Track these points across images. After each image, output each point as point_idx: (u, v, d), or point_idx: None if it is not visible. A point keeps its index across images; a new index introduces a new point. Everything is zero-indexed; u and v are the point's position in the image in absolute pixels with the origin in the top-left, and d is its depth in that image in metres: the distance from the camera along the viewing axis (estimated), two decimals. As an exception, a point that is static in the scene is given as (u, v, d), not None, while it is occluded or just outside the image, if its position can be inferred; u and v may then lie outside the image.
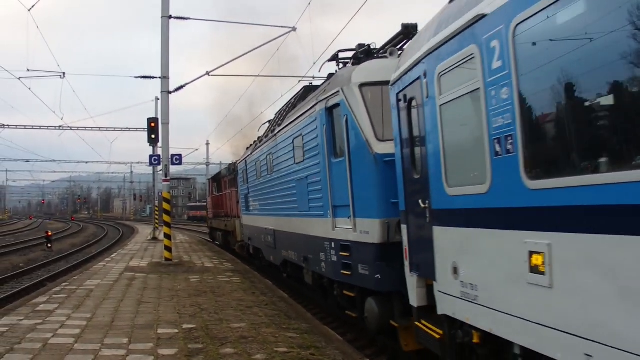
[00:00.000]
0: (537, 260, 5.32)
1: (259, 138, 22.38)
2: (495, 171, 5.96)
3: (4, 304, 16.66)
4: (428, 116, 7.63)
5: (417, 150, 8.23)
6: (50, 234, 39.03)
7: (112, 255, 28.59)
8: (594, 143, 4.76)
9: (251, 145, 24.26)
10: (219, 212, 36.95)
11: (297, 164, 14.51)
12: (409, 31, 10.70)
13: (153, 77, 28.56)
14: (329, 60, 13.67)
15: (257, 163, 20.80)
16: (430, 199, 7.71)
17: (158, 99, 35.94)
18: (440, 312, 7.58)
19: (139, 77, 31.73)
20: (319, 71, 19.13)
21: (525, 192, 5.41)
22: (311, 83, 15.51)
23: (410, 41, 9.37)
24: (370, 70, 10.72)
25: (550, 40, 5.01)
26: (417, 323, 8.56)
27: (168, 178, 24.83)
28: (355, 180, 10.50)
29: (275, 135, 17.15)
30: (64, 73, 34.85)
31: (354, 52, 12.51)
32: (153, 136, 29.99)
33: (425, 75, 7.62)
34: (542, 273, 5.22)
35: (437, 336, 7.79)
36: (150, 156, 31.08)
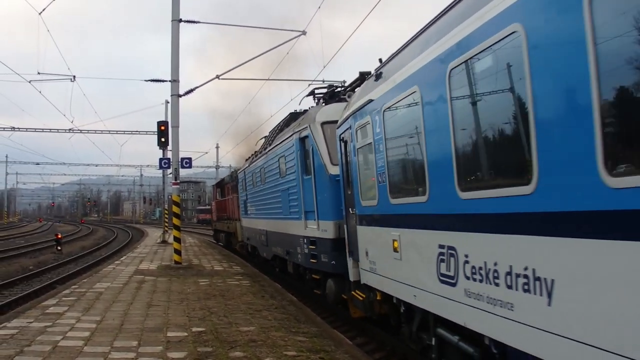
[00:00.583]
0: (395, 244, 9.30)
1: (255, 152, 26.31)
2: (379, 192, 9.99)
3: (14, 306, 16.72)
4: (352, 154, 11.65)
5: (349, 174, 12.11)
6: (60, 236, 39.12)
7: (122, 258, 28.64)
8: (410, 179, 8.91)
9: (249, 157, 28.10)
10: (222, 215, 40.43)
11: (282, 177, 18.23)
12: (363, 78, 13.14)
13: (163, 81, 28.62)
14: (307, 96, 18.30)
15: (253, 174, 24.47)
16: (355, 208, 11.65)
17: (168, 102, 36.00)
18: (362, 282, 11.54)
19: (149, 80, 31.79)
20: (299, 104, 21.39)
21: (390, 206, 9.47)
22: (313, 98, 17.89)
23: (348, 103, 12.68)
24: (329, 112, 14.65)
25: (397, 117, 9.15)
26: (353, 292, 12.37)
27: (178, 181, 24.90)
28: (318, 192, 14.45)
29: (266, 152, 21.14)
30: (74, 76, 35.04)
31: (325, 90, 17.00)
32: (163, 139, 30.03)
33: (350, 128, 11.60)
34: (397, 250, 9.25)
35: (361, 299, 11.74)
36: (160, 159, 31.05)
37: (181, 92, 24.66)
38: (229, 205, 36.53)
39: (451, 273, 7.27)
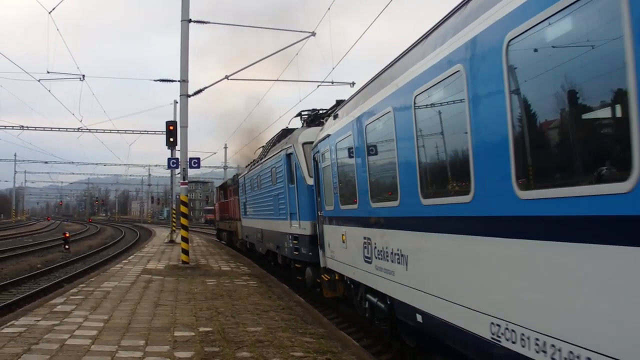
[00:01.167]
0: (343, 237, 12.88)
1: (253, 161, 30.00)
2: (334, 201, 13.48)
3: (22, 304, 16.79)
4: (319, 171, 15.31)
5: (319, 185, 15.51)
6: (67, 235, 39.27)
7: (130, 258, 28.70)
8: (349, 193, 12.13)
9: (248, 164, 32.12)
10: (225, 215, 44.18)
11: (273, 184, 21.83)
12: (339, 103, 15.87)
13: (172, 81, 28.63)
14: (295, 117, 21.55)
15: (251, 180, 27.84)
16: (322, 211, 15.35)
17: (177, 102, 36.04)
18: (328, 267, 15.01)
19: (158, 80, 31.80)
20: (288, 124, 23.45)
21: (340, 210, 13.00)
22: (300, 119, 21.19)
23: (322, 129, 15.72)
24: (309, 134, 17.82)
25: (342, 149, 12.54)
26: (322, 276, 15.84)
27: (186, 181, 24.91)
28: (300, 198, 17.88)
29: (262, 162, 24.71)
30: (83, 75, 35.07)
31: (309, 113, 20.32)
32: (171, 139, 30.08)
33: (318, 152, 15.17)
34: (344, 242, 12.78)
35: (326, 279, 15.33)
36: (169, 159, 31.09)
37: (190, 92, 24.66)
38: (230, 206, 39.74)
39: (369, 255, 10.98)
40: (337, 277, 14.37)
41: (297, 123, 21.89)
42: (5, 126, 59.66)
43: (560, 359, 5.02)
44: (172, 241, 41.37)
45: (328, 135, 13.99)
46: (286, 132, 22.21)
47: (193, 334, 10.73)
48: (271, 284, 18.75)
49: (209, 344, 9.89)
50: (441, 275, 7.62)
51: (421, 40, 8.66)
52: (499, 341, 6.04)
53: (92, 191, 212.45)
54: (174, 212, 46.63)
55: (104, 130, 59.00)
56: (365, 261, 11.14)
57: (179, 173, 26.56)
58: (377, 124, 10.12)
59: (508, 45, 5.72)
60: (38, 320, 11.84)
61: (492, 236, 6.25)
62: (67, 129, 58.97)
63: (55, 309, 13.24)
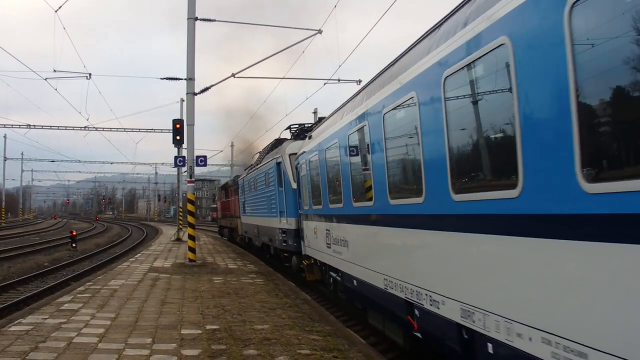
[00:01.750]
0: (315, 230, 16.42)
1: (250, 165, 34.01)
2: (309, 201, 16.87)
3: (29, 302, 16.80)
4: (300, 178, 18.57)
5: (300, 189, 18.79)
6: (74, 233, 39.32)
7: (136, 256, 28.76)
8: (318, 195, 15.58)
9: (247, 168, 36.06)
10: (226, 213, 47.54)
11: (267, 187, 25.12)
12: (321, 119, 19.55)
13: (178, 79, 28.69)
14: (285, 130, 25.65)
15: (249, 182, 31.23)
16: (302, 209, 18.52)
17: (183, 101, 36.09)
18: (307, 254, 18.26)
19: (164, 78, 31.85)
20: (280, 135, 25.21)
21: (313, 209, 16.43)
22: (290, 131, 24.96)
23: (303, 143, 18.68)
24: (294, 146, 20.94)
25: (314, 163, 15.90)
26: (303, 262, 18.97)
27: (193, 179, 24.92)
28: (287, 199, 21.08)
29: (257, 167, 28.07)
30: (90, 74, 35.12)
31: (297, 126, 24.10)
32: (178, 137, 30.14)
33: (298, 163, 18.49)
34: (315, 234, 16.40)
35: (306, 264, 18.48)
36: (175, 157, 31.16)
37: (196, 90, 24.66)
38: (231, 205, 42.91)
39: (329, 242, 14.70)
40: (312, 262, 17.86)
41: (292, 130, 25.08)
42: (13, 125, 59.84)
43: (407, 292, 8.94)
44: (178, 239, 41.44)
45: (304, 152, 17.72)
46: (278, 142, 25.46)
47: (200, 331, 10.74)
48: (278, 282, 18.75)
49: (215, 342, 9.89)
50: (361, 252, 11.96)
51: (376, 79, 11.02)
52: (387, 289, 9.94)
53: (98, 189, 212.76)
54: (181, 210, 46.69)
55: (110, 128, 58.95)
56: (327, 247, 14.98)
57: (185, 171, 26.60)
58: (331, 148, 13.88)
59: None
60: (45, 319, 11.87)
61: (402, 227, 9.32)
62: (73, 127, 59.09)
63: (62, 307, 13.27)
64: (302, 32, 26.50)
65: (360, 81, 27.34)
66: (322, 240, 15.51)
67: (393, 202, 9.43)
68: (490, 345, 6.34)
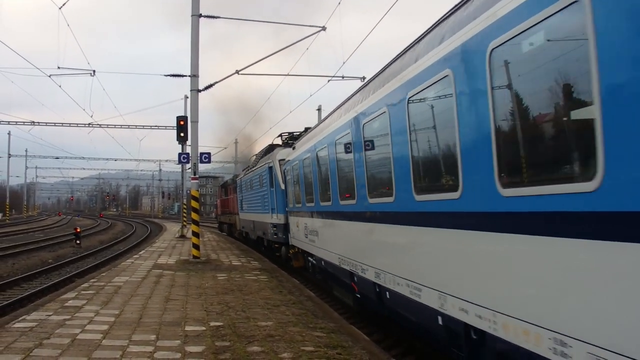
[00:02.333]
0: (297, 224, 20.38)
1: (247, 167, 37.86)
2: (292, 200, 21.03)
3: (33, 299, 16.84)
4: (286, 180, 22.22)
5: (287, 189, 22.07)
6: (79, 230, 39.43)
7: (140, 253, 28.79)
8: (298, 196, 19.44)
9: (245, 169, 39.32)
10: (225, 210, 51.49)
11: (261, 187, 28.21)
12: (307, 129, 22.17)
13: (183, 76, 28.63)
14: (276, 137, 28.90)
15: (246, 182, 34.67)
16: (288, 207, 22.21)
17: (187, 97, 36.08)
18: (292, 244, 22.02)
19: (168, 75, 31.79)
20: (272, 141, 27.48)
21: (295, 206, 20.23)
22: (281, 139, 27.91)
23: (289, 153, 21.71)
24: (283, 153, 23.79)
25: (295, 170, 19.48)
26: (290, 251, 22.40)
27: (197, 176, 24.93)
28: (277, 198, 24.25)
29: (253, 169, 31.37)
30: (94, 71, 35.21)
31: (287, 135, 27.03)
32: (182, 134, 30.13)
33: (285, 168, 22.07)
34: (297, 226, 20.38)
35: (292, 252, 22.08)
36: (179, 154, 31.20)
37: (200, 86, 24.65)
38: (230, 203, 46.57)
39: (307, 233, 18.13)
40: (297, 250, 21.47)
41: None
42: (17, 122, 60.13)
43: (351, 266, 12.79)
44: (182, 236, 41.49)
45: (289, 160, 21.39)
46: (270, 148, 28.74)
47: (204, 328, 10.74)
48: (282, 279, 18.75)
49: (219, 339, 9.89)
50: (325, 239, 15.81)
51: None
52: (340, 265, 13.85)
53: (103, 186, 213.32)
54: (185, 207, 46.74)
55: (114, 125, 59.09)
56: (305, 237, 18.79)
57: (189, 168, 26.62)
58: (306, 160, 17.49)
59: None
60: (49, 315, 11.88)
61: (344, 220, 13.56)
62: (77, 124, 59.15)
63: (66, 304, 13.29)
64: (306, 29, 26.24)
65: (364, 78, 27.31)
66: (302, 232, 19.49)
67: (342, 202, 13.42)
68: (387, 293, 10.20)
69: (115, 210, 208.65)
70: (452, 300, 7.30)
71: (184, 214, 47.39)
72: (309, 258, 18.77)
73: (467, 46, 6.75)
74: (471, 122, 6.66)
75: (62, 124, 61.03)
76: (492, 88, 6.16)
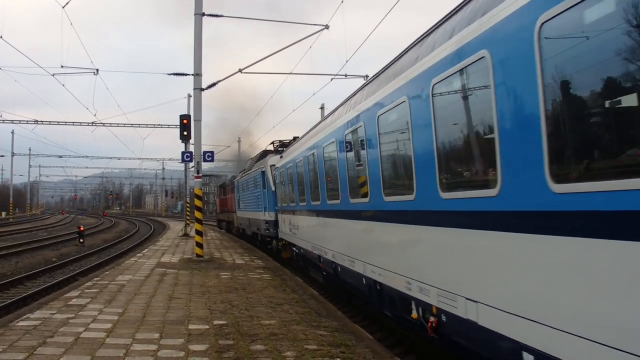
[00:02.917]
0: (284, 220, 24.69)
1: (243, 170, 40.84)
2: (279, 200, 25.48)
3: (37, 297, 16.88)
4: (276, 183, 26.53)
5: (277, 191, 26.39)
6: (82, 229, 39.43)
7: (144, 251, 28.82)
8: (287, 197, 23.24)
9: (242, 171, 42.02)
10: (224, 208, 54.95)
11: (255, 188, 32.02)
12: (295, 138, 24.97)
13: (186, 74, 28.75)
14: (269, 144, 33.16)
15: (243, 184, 38.26)
16: (277, 206, 26.37)
17: (190, 96, 36.10)
18: (281, 237, 26.17)
19: (171, 74, 31.91)
20: (265, 147, 33.23)
21: (282, 206, 24.62)
22: (272, 146, 31.78)
23: (279, 160, 25.71)
24: (274, 159, 27.52)
25: (284, 175, 23.51)
26: (279, 243, 26.57)
27: (200, 175, 24.94)
28: (269, 198, 27.70)
29: (249, 172, 35.20)
30: (97, 70, 35.26)
31: (279, 142, 30.90)
32: (185, 133, 30.15)
33: (275, 174, 26.65)
34: (284, 222, 24.77)
35: (281, 244, 26.30)
36: (183, 153, 31.22)
37: (204, 85, 24.65)
38: (228, 202, 49.92)
39: (291, 227, 22.48)
40: (285, 243, 25.16)
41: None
42: (20, 120, 60.04)
43: (319, 251, 17.12)
44: (186, 235, 41.54)
45: (277, 167, 25.46)
46: (264, 154, 32.22)
47: (207, 327, 10.74)
48: (285, 277, 18.75)
49: (223, 337, 9.89)
50: (304, 231, 19.53)
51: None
52: (313, 251, 18.00)
53: (106, 185, 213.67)
54: (188, 205, 46.78)
55: (117, 124, 59.07)
56: (290, 230, 22.88)
57: (193, 167, 26.67)
58: (290, 168, 21.31)
59: None
60: (53, 314, 11.90)
61: (314, 216, 17.75)
62: (81, 123, 59.13)
63: (70, 302, 13.29)
64: (309, 27, 26.28)
65: (367, 76, 27.29)
66: (288, 227, 23.58)
67: (313, 202, 17.37)
68: (339, 268, 14.40)
69: (118, 208, 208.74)
70: (370, 267, 11.56)
71: (188, 213, 47.42)
72: (293, 248, 23.03)
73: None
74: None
75: (66, 122, 61.07)
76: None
